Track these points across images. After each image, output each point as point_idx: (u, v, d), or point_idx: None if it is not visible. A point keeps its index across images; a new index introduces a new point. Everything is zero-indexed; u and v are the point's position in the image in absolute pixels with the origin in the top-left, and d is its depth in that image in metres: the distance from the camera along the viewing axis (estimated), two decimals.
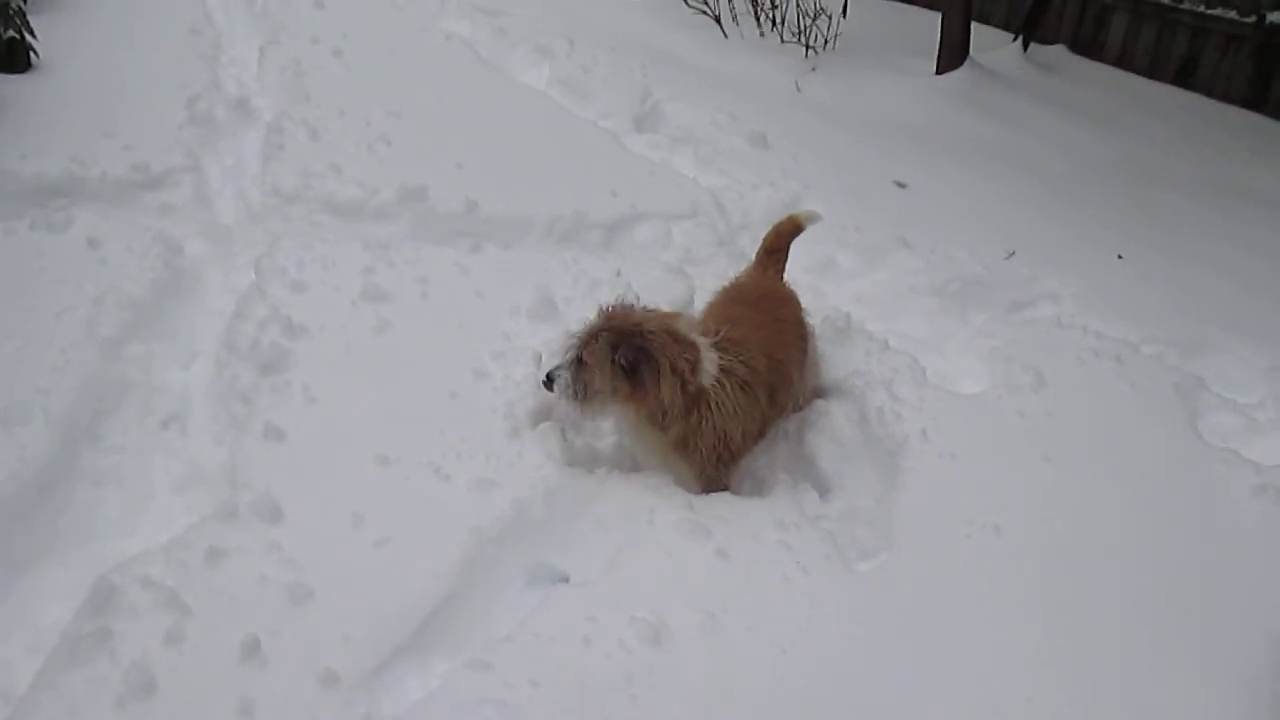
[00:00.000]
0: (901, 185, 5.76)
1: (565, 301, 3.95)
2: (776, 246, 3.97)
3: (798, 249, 4.86)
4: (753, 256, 4.04)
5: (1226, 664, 2.77)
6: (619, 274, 4.19)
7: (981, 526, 3.12)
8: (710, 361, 3.11)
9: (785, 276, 3.99)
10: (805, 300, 4.56)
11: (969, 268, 4.84)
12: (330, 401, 3.32)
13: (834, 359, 3.95)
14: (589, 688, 2.49)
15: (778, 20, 8.40)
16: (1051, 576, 2.99)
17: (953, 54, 7.94)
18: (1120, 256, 5.16)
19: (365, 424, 3.24)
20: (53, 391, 3.23)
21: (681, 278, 4.41)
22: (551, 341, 3.66)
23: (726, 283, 3.84)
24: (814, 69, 7.83)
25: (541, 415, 3.34)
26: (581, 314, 3.82)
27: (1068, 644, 2.78)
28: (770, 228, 4.05)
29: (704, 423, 3.11)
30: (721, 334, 3.21)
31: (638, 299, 3.94)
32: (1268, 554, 3.19)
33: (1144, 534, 3.20)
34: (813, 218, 4.00)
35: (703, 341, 3.14)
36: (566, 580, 2.89)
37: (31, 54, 5.65)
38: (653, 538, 2.93)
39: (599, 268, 4.26)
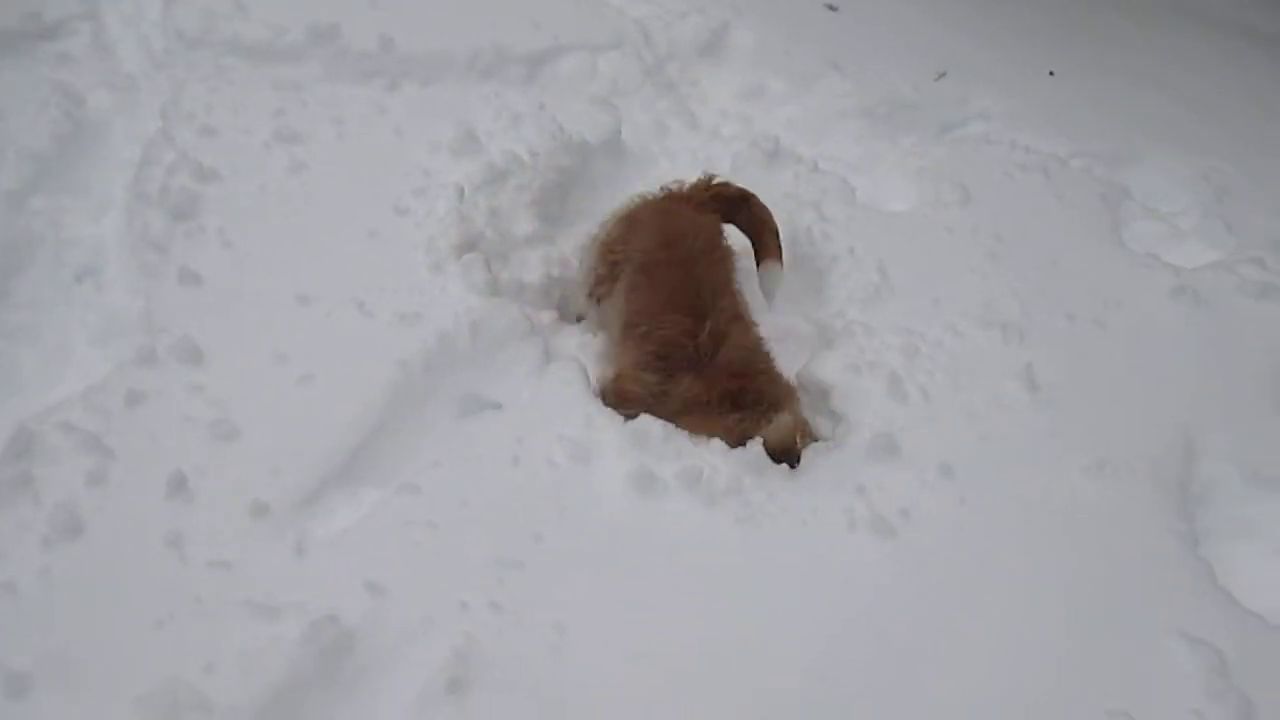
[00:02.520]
0: (832, 8, 5.60)
1: (487, 136, 3.84)
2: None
3: (724, 75, 4.80)
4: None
5: (1139, 454, 2.87)
6: (542, 107, 4.07)
7: (909, 333, 3.17)
8: None
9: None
10: (734, 129, 4.53)
11: (899, 90, 4.77)
12: (246, 244, 3.23)
13: (761, 183, 3.89)
14: (519, 504, 2.53)
15: None
16: (975, 378, 3.05)
17: None
18: (1052, 73, 5.11)
19: (284, 265, 3.17)
20: None
21: (608, 110, 4.29)
22: (473, 175, 3.58)
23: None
24: None
25: (465, 248, 3.29)
26: (504, 147, 3.76)
27: (990, 441, 2.86)
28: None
29: None
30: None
31: (561, 130, 3.88)
32: (1183, 352, 3.28)
33: (1067, 338, 3.27)
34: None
35: None
36: (499, 408, 2.90)
37: None
38: (576, 359, 2.95)
39: (522, 102, 4.13)
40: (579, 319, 3.40)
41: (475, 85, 4.35)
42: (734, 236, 3.38)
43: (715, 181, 3.46)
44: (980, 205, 3.83)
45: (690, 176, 4.10)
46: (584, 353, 3.15)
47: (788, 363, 3.06)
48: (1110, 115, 4.76)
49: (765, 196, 3.83)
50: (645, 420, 2.75)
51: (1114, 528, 2.65)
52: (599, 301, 3.27)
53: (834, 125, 4.56)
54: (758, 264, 3.35)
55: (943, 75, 4.90)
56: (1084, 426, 2.93)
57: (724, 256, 3.22)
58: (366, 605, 2.24)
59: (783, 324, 3.35)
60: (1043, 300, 3.37)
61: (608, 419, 2.75)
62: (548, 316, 3.30)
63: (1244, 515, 2.79)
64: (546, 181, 3.71)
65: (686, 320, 2.92)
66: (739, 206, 3.42)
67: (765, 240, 3.36)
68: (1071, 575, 2.50)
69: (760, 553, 2.48)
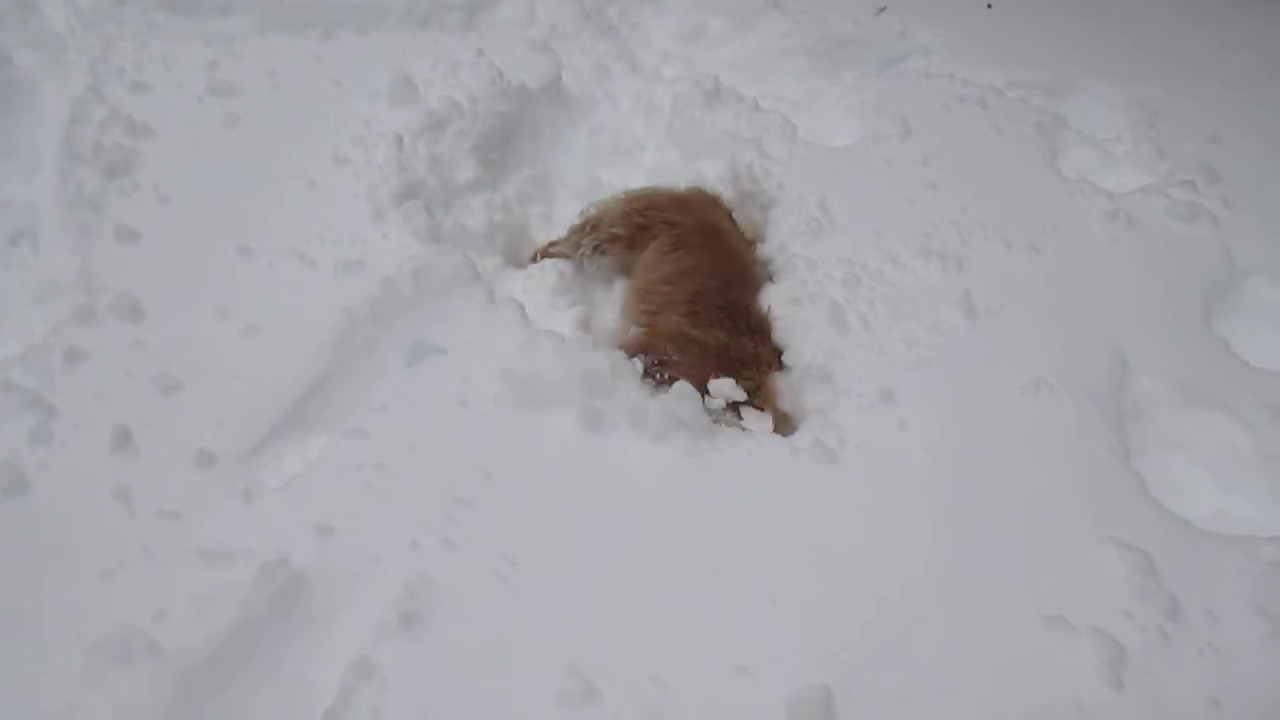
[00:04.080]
0: None
1: (425, 84, 3.80)
2: None
3: (664, 16, 4.78)
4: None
5: (1075, 374, 2.94)
6: (481, 53, 4.04)
7: (850, 264, 3.21)
8: None
9: None
10: (675, 70, 4.53)
11: (840, 26, 4.78)
12: (184, 199, 3.20)
13: (703, 124, 3.92)
14: (468, 444, 2.55)
15: None
16: (915, 306, 3.10)
17: None
18: (990, 5, 5.13)
19: (223, 218, 3.14)
20: None
21: (548, 54, 4.27)
22: (412, 124, 3.56)
23: None
24: None
25: (406, 195, 3.28)
26: (443, 94, 3.73)
27: (929, 366, 2.91)
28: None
29: None
30: None
31: (500, 76, 3.86)
32: (1117, 274, 3.35)
33: (1004, 265, 3.33)
34: None
35: None
36: (445, 353, 2.91)
37: None
38: (517, 302, 2.97)
39: (460, 48, 4.09)
40: (535, 259, 3.42)
41: (413, 33, 4.31)
42: None
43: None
44: (920, 138, 3.87)
45: (634, 120, 4.16)
46: (527, 297, 3.16)
47: None
48: (1047, 45, 4.79)
49: (706, 137, 3.88)
50: (594, 357, 2.79)
51: (1049, 445, 2.72)
52: (603, 254, 3.35)
53: (775, 63, 4.57)
54: None
55: (882, 10, 4.91)
56: (1021, 349, 2.99)
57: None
58: (317, 547, 2.26)
59: None
60: (981, 229, 3.42)
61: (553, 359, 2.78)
62: (491, 261, 3.31)
63: (1174, 429, 2.88)
64: (487, 128, 3.70)
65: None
66: None
67: None
68: (1008, 491, 2.57)
69: (706, 483, 2.53)
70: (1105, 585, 2.33)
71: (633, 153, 4.00)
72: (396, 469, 2.48)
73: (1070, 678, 2.15)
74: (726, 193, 3.61)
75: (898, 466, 2.61)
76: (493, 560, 2.28)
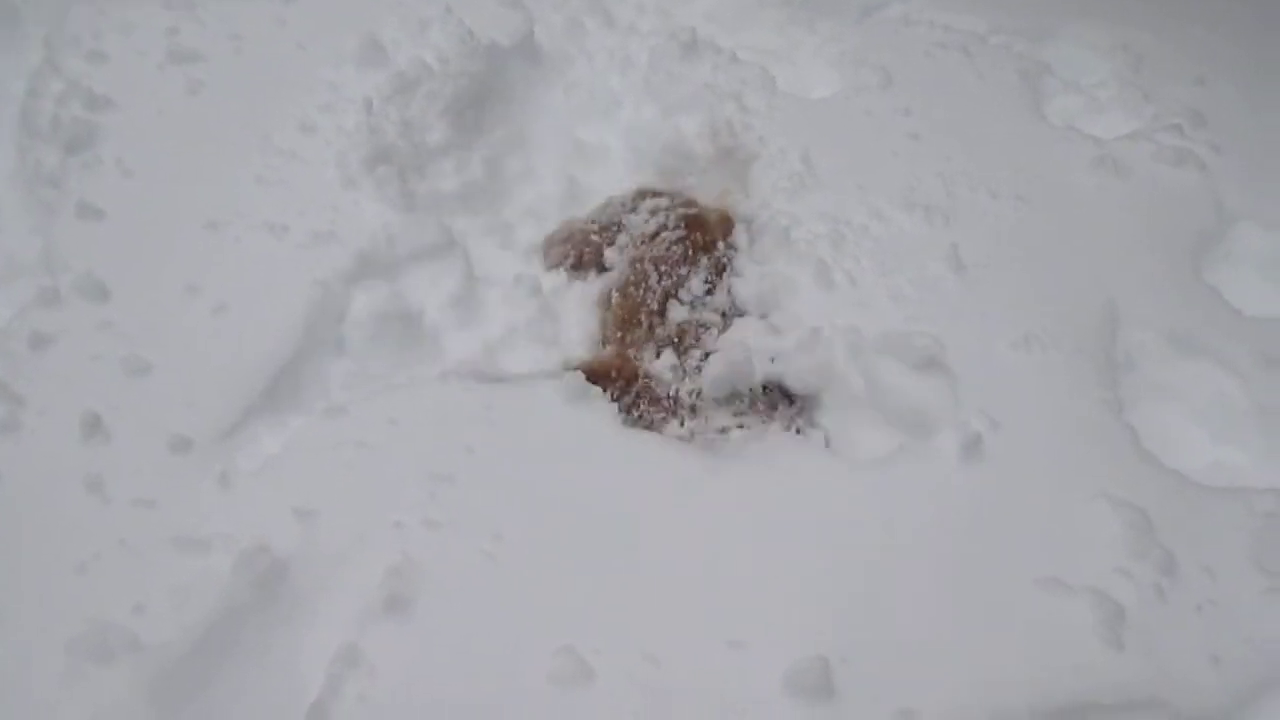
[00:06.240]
0: None
1: (394, 44, 3.68)
2: None
3: None
4: None
5: (1064, 326, 2.89)
6: (449, 11, 3.92)
7: (835, 220, 3.14)
8: None
9: None
10: (651, 23, 4.40)
11: None
12: (147, 172, 3.10)
13: (680, 77, 3.82)
14: (448, 419, 2.50)
15: None
16: (901, 261, 3.03)
17: None
18: None
19: (188, 191, 3.05)
20: None
21: (519, 10, 4.14)
22: (381, 86, 3.46)
23: None
24: None
25: (377, 161, 3.18)
26: (411, 55, 3.62)
27: (917, 322, 2.85)
28: None
29: None
30: None
31: (471, 35, 3.74)
32: (1104, 222, 3.29)
33: (991, 216, 3.25)
34: None
35: None
36: (422, 324, 2.84)
37: None
38: (501, 269, 2.90)
39: (427, 6, 3.94)
40: None
41: None
42: None
43: None
44: (901, 87, 3.78)
45: (610, 76, 4.05)
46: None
47: None
48: None
49: (684, 90, 3.78)
50: None
51: (1041, 399, 2.67)
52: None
53: (752, 14, 4.45)
54: None
55: None
56: (1010, 303, 2.94)
57: None
58: (298, 531, 2.21)
59: None
60: (966, 180, 3.35)
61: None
62: (467, 225, 3.22)
63: (1166, 380, 2.84)
64: (458, 88, 3.58)
65: None
66: None
67: None
68: (999, 449, 2.53)
69: (691, 454, 2.49)
70: (1101, 543, 2.30)
71: (609, 109, 3.90)
72: (376, 446, 2.43)
73: (1068, 639, 2.12)
74: (706, 148, 3.53)
75: (884, 427, 2.56)
76: (478, 538, 2.23)
